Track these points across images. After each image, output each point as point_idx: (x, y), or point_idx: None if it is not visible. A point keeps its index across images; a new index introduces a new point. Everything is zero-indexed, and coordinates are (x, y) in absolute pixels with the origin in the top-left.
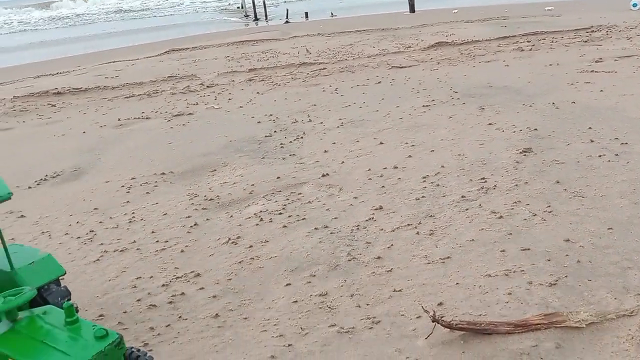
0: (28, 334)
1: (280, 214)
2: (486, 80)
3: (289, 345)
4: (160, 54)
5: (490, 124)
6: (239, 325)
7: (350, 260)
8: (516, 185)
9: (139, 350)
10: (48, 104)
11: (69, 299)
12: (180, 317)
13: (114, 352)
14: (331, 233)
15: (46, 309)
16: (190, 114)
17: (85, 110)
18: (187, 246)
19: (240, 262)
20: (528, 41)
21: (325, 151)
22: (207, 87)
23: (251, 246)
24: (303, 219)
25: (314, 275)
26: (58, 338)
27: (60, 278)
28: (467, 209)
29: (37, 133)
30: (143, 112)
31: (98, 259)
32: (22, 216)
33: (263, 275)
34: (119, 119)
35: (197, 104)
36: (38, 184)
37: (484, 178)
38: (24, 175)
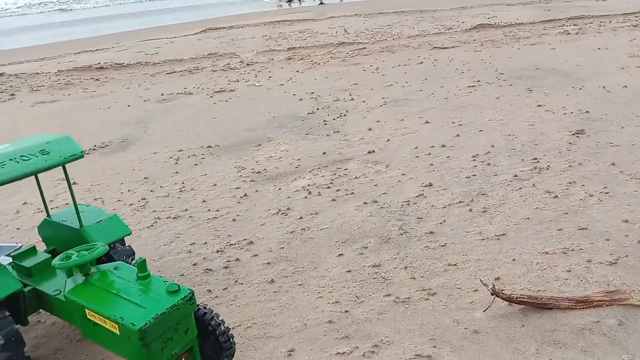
0: (101, 286)
1: (329, 187)
2: (532, 62)
3: (346, 311)
4: (198, 32)
5: (539, 105)
6: (294, 291)
7: (402, 234)
8: (570, 166)
9: (205, 308)
10: (91, 78)
11: (133, 259)
12: (236, 281)
13: (186, 307)
14: (381, 207)
15: (117, 265)
16: (231, 90)
17: (128, 85)
18: (238, 215)
19: (291, 232)
20: (574, 25)
21: (370, 129)
22: (247, 65)
23: (301, 218)
24: (352, 194)
25: (366, 247)
26: (131, 291)
27: (124, 238)
28: (520, 188)
29: (82, 105)
30: (185, 88)
31: (152, 225)
32: (74, 183)
33: (315, 245)
34: (162, 94)
35: (237, 81)
36: (87, 154)
37: (536, 158)
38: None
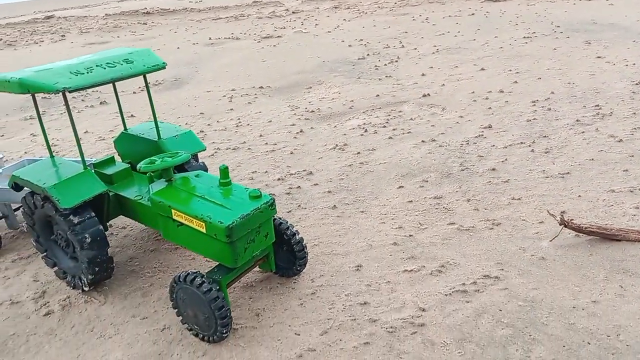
0: (185, 190)
1: (384, 127)
2: (589, 17)
3: (410, 235)
4: None
5: (599, 57)
6: (356, 216)
7: (463, 170)
8: (634, 113)
9: (280, 218)
10: (138, 22)
11: None
12: (299, 206)
13: (267, 212)
14: (439, 146)
15: (197, 172)
16: (278, 36)
17: (175, 29)
18: (295, 149)
19: (349, 165)
20: None
21: (423, 74)
22: (293, 12)
23: (359, 153)
24: (408, 132)
25: (427, 181)
26: (215, 195)
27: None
28: (583, 132)
29: (132, 47)
30: (232, 33)
31: (212, 154)
32: (132, 116)
33: (374, 177)
34: (209, 38)
35: (284, 28)
36: (142, 90)
37: (598, 105)
38: (127, 82)
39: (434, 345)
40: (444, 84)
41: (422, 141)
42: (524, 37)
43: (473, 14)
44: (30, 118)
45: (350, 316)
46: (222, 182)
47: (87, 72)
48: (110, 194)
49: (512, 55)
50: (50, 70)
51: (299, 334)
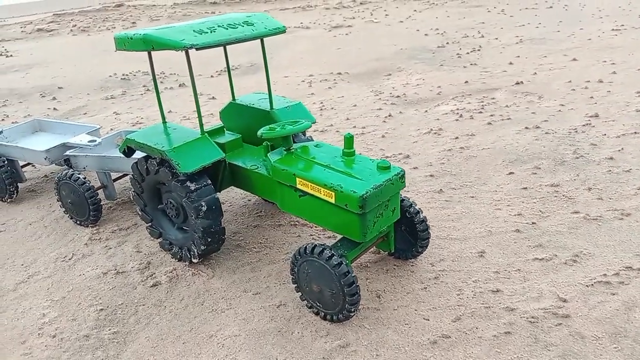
0: (308, 158)
1: (480, 112)
2: None
3: (533, 223)
4: None
5: None
6: (467, 201)
7: (577, 158)
8: None
9: (401, 195)
10: (205, 12)
11: None
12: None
13: (397, 184)
14: (546, 133)
15: (317, 143)
16: (349, 26)
17: None
18: (387, 133)
19: (449, 150)
20: None
21: (511, 63)
22: (361, 4)
23: (457, 137)
24: (508, 119)
25: (539, 168)
26: (341, 165)
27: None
28: None
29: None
30: (301, 23)
31: None
32: (212, 97)
33: (478, 163)
34: None
35: (353, 18)
36: (219, 74)
37: None
38: (203, 66)
39: (584, 339)
40: (535, 73)
41: (526, 127)
42: (613, 30)
43: (551, 7)
44: (111, 97)
45: (482, 303)
46: (347, 151)
47: (210, 32)
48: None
49: (603, 46)
50: (174, 28)
51: (427, 319)
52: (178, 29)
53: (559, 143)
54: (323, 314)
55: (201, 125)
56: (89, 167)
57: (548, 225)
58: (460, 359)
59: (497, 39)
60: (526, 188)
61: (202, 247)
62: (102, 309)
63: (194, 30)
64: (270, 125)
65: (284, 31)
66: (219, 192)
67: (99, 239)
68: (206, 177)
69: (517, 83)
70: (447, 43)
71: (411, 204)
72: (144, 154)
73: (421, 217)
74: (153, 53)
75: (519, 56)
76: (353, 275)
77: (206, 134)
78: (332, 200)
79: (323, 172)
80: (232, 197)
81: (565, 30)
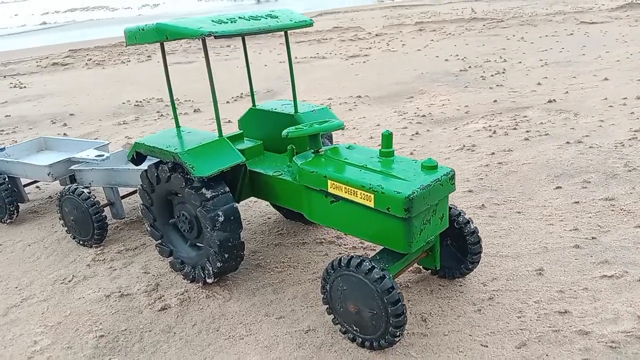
0: (341, 160)
1: (515, 129)
2: None
3: (592, 238)
4: (313, 15)
5: None
6: (514, 217)
7: (630, 171)
8: None
9: (453, 206)
10: (221, 45)
11: None
12: None
13: (447, 186)
14: (590, 147)
15: (349, 145)
16: (365, 55)
17: (259, 51)
18: (414, 150)
19: (486, 165)
20: None
21: (539, 84)
22: (376, 35)
23: (493, 153)
24: (546, 134)
25: (589, 182)
26: (379, 165)
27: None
28: None
29: (219, 65)
30: (317, 53)
31: None
32: (229, 121)
33: (520, 178)
34: (295, 57)
35: (370, 48)
36: (235, 100)
37: None
38: (220, 93)
39: None
40: (567, 92)
41: (567, 142)
42: None
43: (572, 34)
44: (124, 123)
45: (550, 327)
46: (384, 151)
47: (230, 22)
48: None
49: (634, 67)
50: (190, 18)
51: (486, 346)
52: (195, 19)
53: (606, 157)
54: (361, 340)
55: (219, 127)
56: (95, 182)
57: (610, 240)
58: None
59: (520, 62)
60: (578, 202)
61: (219, 265)
62: (102, 336)
63: (212, 21)
64: (296, 126)
65: (311, 24)
66: (238, 202)
67: (103, 259)
68: (224, 184)
69: (550, 101)
70: (470, 67)
71: (459, 213)
72: (156, 160)
73: (472, 227)
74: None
75: (546, 77)
76: (398, 292)
77: (225, 137)
78: (371, 204)
79: (359, 173)
80: (250, 215)
81: (591, 53)
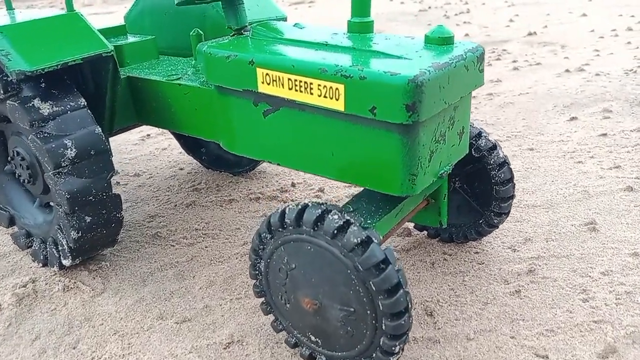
0: (282, 38)
1: (498, 59)
2: None
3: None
4: None
5: None
6: (526, 155)
7: None
8: None
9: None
10: None
11: None
12: None
13: (474, 75)
14: (597, 75)
15: (297, 23)
16: (311, 1)
17: None
18: None
19: (473, 97)
20: None
21: (511, 20)
22: None
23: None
24: (537, 64)
25: (610, 111)
26: (349, 42)
27: None
28: None
29: None
30: None
31: None
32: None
33: (519, 110)
34: None
35: None
36: None
37: None
38: None
39: None
40: (546, 26)
41: (567, 70)
42: None
43: None
44: None
45: (616, 301)
46: (356, 22)
47: None
48: (122, 76)
49: (611, 4)
50: None
51: (546, 357)
52: None
53: (621, 84)
54: (325, 358)
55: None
56: None
57: None
58: None
59: (484, 4)
60: (606, 134)
61: (74, 235)
62: None
63: None
64: None
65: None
66: (112, 130)
67: None
68: (77, 94)
69: (530, 34)
70: (429, 7)
71: (480, 132)
72: None
73: (500, 155)
74: None
75: (517, 15)
76: (397, 268)
77: (79, 12)
78: (340, 106)
79: (315, 53)
80: (153, 166)
81: None
